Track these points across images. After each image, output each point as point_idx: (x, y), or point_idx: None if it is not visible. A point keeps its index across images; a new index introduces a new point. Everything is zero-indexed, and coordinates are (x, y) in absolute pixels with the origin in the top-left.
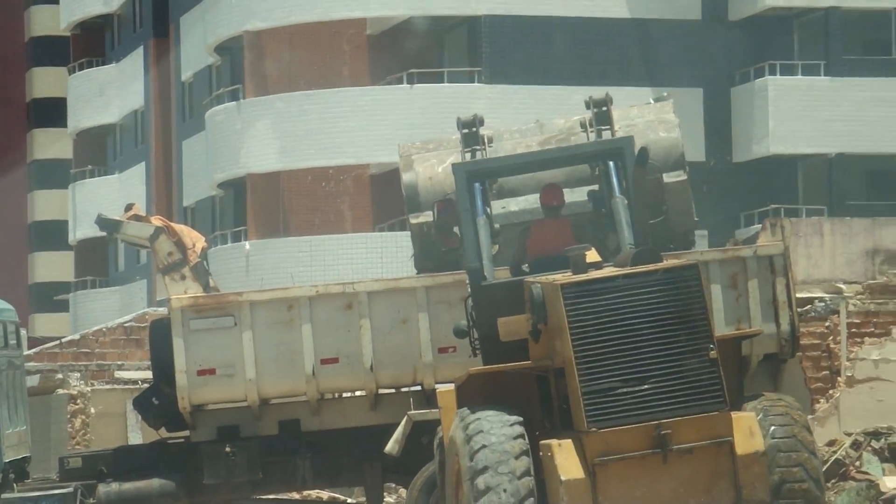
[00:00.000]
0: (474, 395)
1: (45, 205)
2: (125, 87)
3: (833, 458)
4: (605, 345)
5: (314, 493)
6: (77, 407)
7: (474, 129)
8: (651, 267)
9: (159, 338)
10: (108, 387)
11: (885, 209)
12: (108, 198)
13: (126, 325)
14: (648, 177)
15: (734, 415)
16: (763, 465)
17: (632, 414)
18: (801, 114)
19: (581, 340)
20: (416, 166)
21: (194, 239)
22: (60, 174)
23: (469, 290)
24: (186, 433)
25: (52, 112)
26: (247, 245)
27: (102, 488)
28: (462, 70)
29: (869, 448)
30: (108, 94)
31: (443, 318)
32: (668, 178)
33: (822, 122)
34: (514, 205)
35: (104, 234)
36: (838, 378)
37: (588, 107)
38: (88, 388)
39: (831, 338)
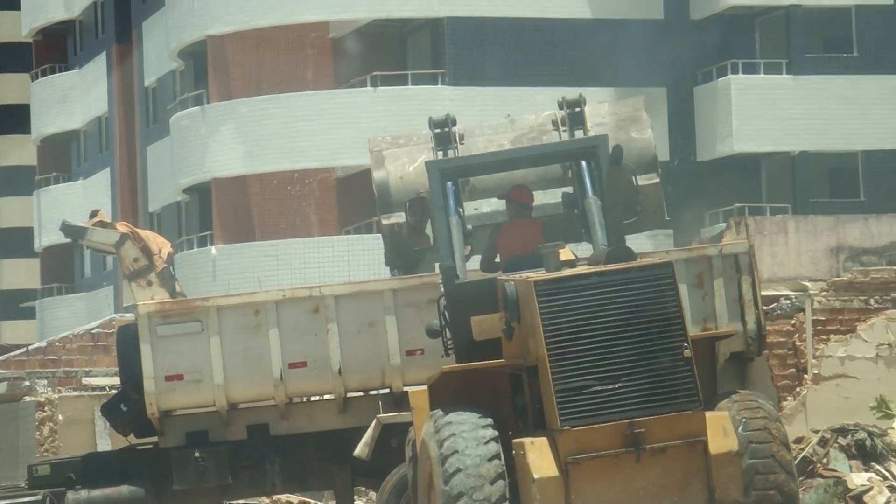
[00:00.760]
0: (447, 394)
1: (9, 212)
2: (88, 93)
3: (801, 456)
4: (579, 343)
5: (284, 498)
6: (45, 414)
7: (447, 129)
8: (625, 265)
9: (126, 344)
10: (75, 393)
11: (848, 206)
12: (72, 204)
13: (93, 331)
14: (623, 177)
15: (708, 414)
16: (736, 466)
17: (605, 412)
18: (763, 112)
19: (554, 338)
20: (387, 164)
21: (160, 244)
22: (24, 181)
23: (442, 289)
24: (155, 439)
25: (15, 118)
26: (213, 250)
27: (71, 495)
28: (425, 72)
29: (836, 445)
30: (71, 100)
31: (410, 321)
32: (642, 180)
33: (785, 121)
34: (487, 206)
35: (69, 240)
36: (805, 376)
37: (561, 107)
38: (56, 395)
39: (797, 335)
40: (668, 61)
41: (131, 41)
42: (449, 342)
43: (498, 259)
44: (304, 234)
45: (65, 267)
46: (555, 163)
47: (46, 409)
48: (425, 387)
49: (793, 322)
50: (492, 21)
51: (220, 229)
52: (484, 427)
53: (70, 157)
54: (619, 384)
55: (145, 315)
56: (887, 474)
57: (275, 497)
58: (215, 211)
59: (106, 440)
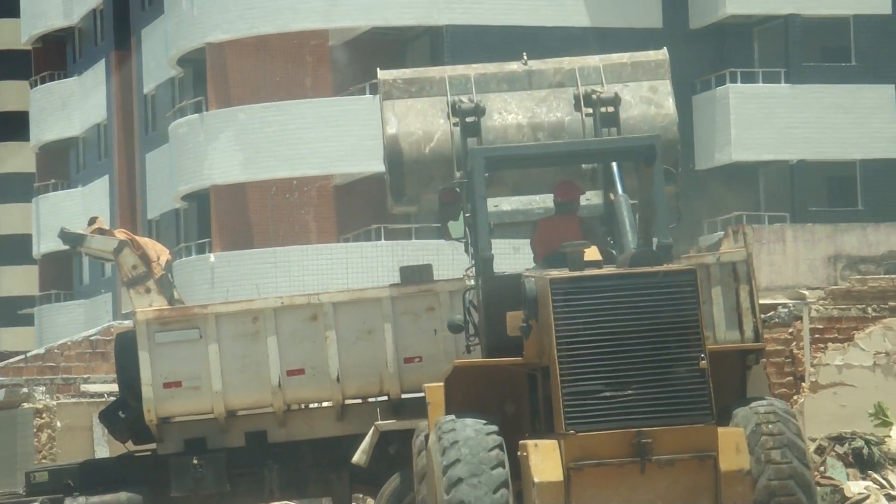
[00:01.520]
0: (463, 391)
1: (8, 219)
2: (87, 100)
3: None
4: (591, 345)
5: None
6: (43, 421)
7: (475, 120)
8: (646, 269)
9: (125, 351)
10: (73, 400)
11: (845, 215)
12: (71, 211)
13: (91, 338)
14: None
15: (721, 429)
16: (747, 485)
17: (612, 419)
18: (762, 121)
19: (566, 339)
20: (399, 127)
21: (158, 252)
22: (23, 188)
23: (470, 282)
24: (153, 446)
25: (14, 126)
26: (211, 257)
27: (69, 502)
28: None
29: (833, 453)
30: (70, 107)
31: (408, 329)
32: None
33: (783, 130)
34: (507, 204)
35: (68, 247)
36: (802, 384)
37: (592, 104)
38: (54, 402)
39: (795, 344)
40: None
41: (130, 48)
42: (472, 338)
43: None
44: (302, 241)
45: (63, 274)
46: (606, 161)
47: (44, 415)
48: (441, 383)
49: (790, 330)
50: (491, 29)
51: (219, 236)
52: (488, 434)
53: (69, 165)
54: (630, 391)
55: (143, 322)
56: (884, 482)
57: None
58: (214, 218)
59: (104, 447)
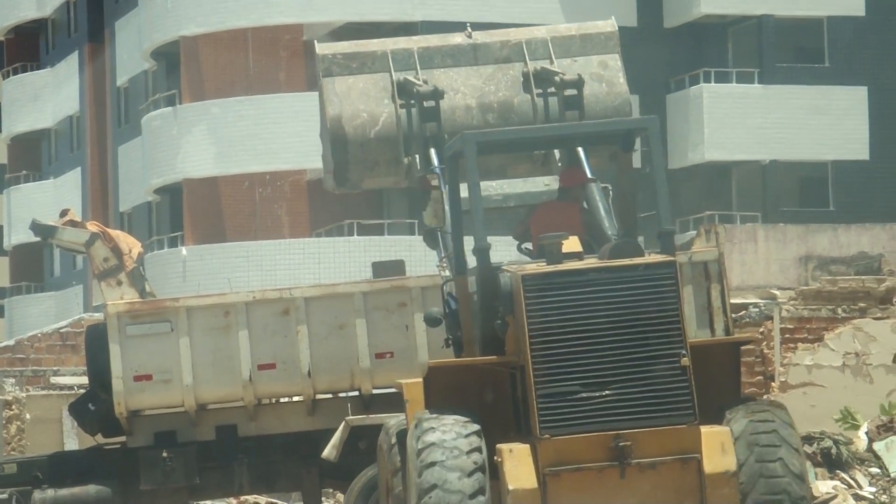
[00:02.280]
0: (442, 389)
1: None
2: (60, 92)
3: None
4: (566, 344)
5: (252, 499)
6: (12, 413)
7: (433, 104)
8: (622, 262)
9: (95, 343)
10: (43, 392)
11: (817, 216)
12: (43, 203)
13: (62, 330)
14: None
15: (704, 429)
16: (733, 487)
17: (589, 422)
18: (735, 121)
19: (539, 337)
20: (343, 107)
21: (130, 244)
22: None
23: (447, 274)
24: (123, 439)
25: None
26: (183, 250)
27: (38, 495)
28: None
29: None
30: (42, 98)
31: (380, 324)
32: None
33: (756, 130)
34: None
35: (39, 239)
36: (772, 383)
37: (558, 87)
38: (24, 394)
39: (765, 343)
40: (640, 69)
41: (104, 40)
42: (453, 330)
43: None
44: (274, 235)
45: (34, 265)
46: (598, 144)
47: (14, 407)
48: (420, 379)
49: (761, 330)
50: (462, 25)
51: (191, 230)
52: (468, 436)
53: (41, 156)
54: (608, 392)
55: (114, 315)
56: (852, 482)
57: (242, 498)
58: (186, 212)
59: (73, 439)
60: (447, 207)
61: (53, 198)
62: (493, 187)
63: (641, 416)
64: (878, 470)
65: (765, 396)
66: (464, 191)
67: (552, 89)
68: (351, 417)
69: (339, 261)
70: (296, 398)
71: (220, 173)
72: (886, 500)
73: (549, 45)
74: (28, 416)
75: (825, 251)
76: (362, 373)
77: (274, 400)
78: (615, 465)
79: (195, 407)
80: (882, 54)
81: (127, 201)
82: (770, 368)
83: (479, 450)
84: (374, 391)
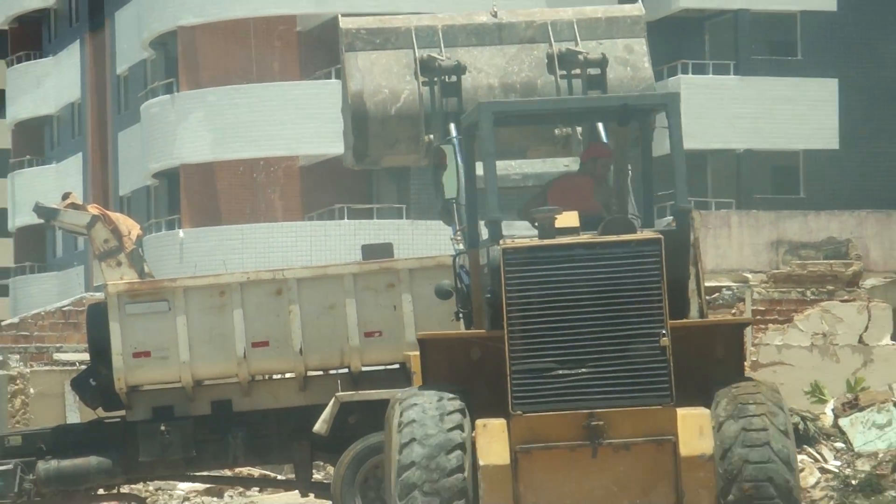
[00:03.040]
0: (440, 364)
1: None
2: (62, 80)
3: None
4: (544, 319)
5: (245, 471)
6: (17, 388)
7: (455, 79)
8: (605, 238)
9: (96, 322)
10: (46, 368)
11: (788, 203)
12: (45, 187)
13: (64, 309)
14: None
15: (681, 411)
16: (710, 471)
17: (563, 399)
18: (711, 111)
19: (516, 312)
20: (365, 82)
21: (130, 227)
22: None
23: (459, 247)
24: (123, 413)
25: None
26: (181, 233)
27: (42, 465)
28: None
29: None
30: (45, 86)
31: (369, 304)
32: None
33: (731, 120)
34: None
35: (42, 221)
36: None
37: (577, 65)
38: (28, 370)
39: None
40: None
41: (104, 30)
42: (460, 306)
43: None
44: (268, 219)
45: (37, 247)
46: (615, 119)
47: (18, 382)
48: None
49: (734, 311)
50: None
51: (188, 213)
52: (450, 413)
53: (43, 141)
54: (583, 370)
55: (115, 294)
56: (818, 456)
57: (237, 470)
58: (183, 195)
59: (75, 413)
60: (462, 180)
61: (55, 181)
62: (512, 167)
63: (616, 396)
64: (842, 445)
65: None
66: (480, 169)
67: (577, 71)
68: (341, 393)
69: (329, 243)
70: (288, 375)
71: (215, 159)
72: (850, 474)
73: (575, 26)
74: (32, 390)
75: (796, 236)
76: (352, 351)
77: (267, 376)
78: (587, 445)
79: (192, 383)
80: (852, 48)
81: (126, 185)
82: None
83: (460, 427)
84: (364, 368)
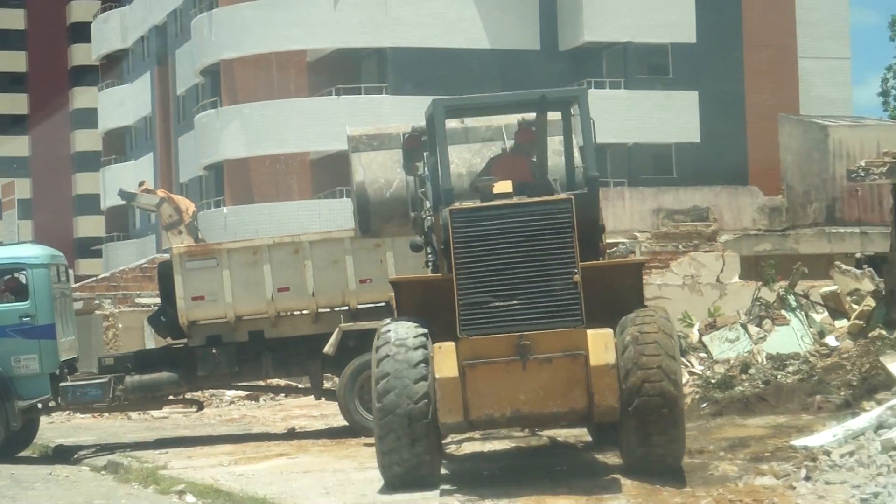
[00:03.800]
0: (410, 300)
1: (84, 183)
2: (138, 100)
3: None
4: (483, 264)
5: (274, 382)
6: (109, 323)
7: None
8: (528, 199)
9: (165, 275)
10: (130, 309)
11: (665, 181)
12: (126, 177)
13: (141, 266)
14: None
15: (591, 332)
16: (613, 377)
17: (499, 325)
18: (608, 116)
19: (462, 259)
20: (366, 174)
21: (187, 205)
22: (94, 162)
23: (429, 211)
24: (185, 340)
25: (88, 118)
26: (224, 210)
27: (128, 379)
28: (373, 86)
29: None
30: (125, 105)
31: (362, 259)
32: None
33: (623, 121)
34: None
35: (124, 202)
36: None
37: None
38: (116, 311)
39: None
40: (542, 80)
41: (167, 63)
42: (430, 256)
43: None
44: (288, 198)
45: (121, 221)
46: (542, 110)
47: (110, 319)
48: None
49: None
50: (420, 50)
51: (229, 195)
52: (416, 336)
53: (125, 145)
54: (514, 302)
55: (177, 255)
56: (687, 363)
57: (268, 381)
58: (226, 182)
59: (151, 342)
60: (428, 160)
61: (133, 174)
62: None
63: (540, 321)
64: (704, 355)
65: None
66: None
67: None
68: (343, 325)
69: (333, 216)
70: (304, 311)
71: (249, 155)
72: (710, 375)
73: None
74: (120, 325)
75: (670, 205)
76: (350, 293)
77: (289, 312)
78: (518, 360)
79: (234, 318)
80: (707, 69)
81: (185, 175)
82: None
83: (423, 347)
84: (360, 306)
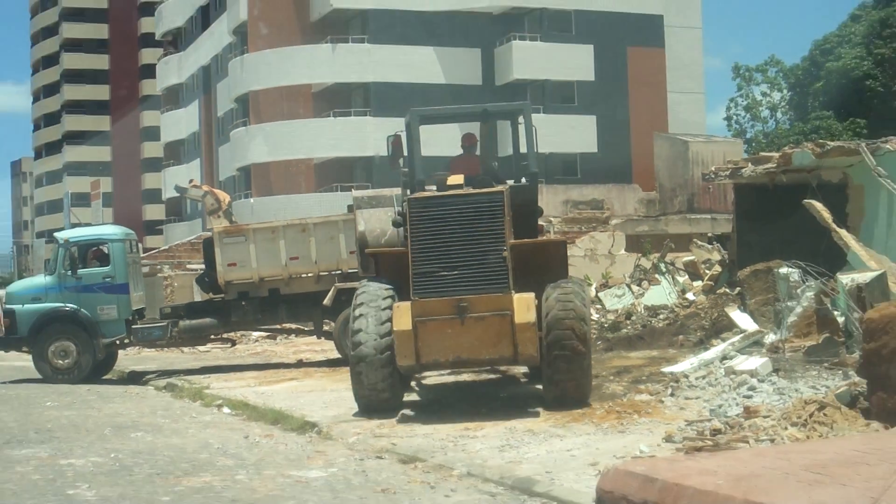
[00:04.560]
0: (385, 266)
1: (150, 181)
2: (189, 120)
3: None
4: (432, 241)
5: (287, 326)
6: (168, 283)
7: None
8: (469, 191)
9: (208, 248)
10: (182, 273)
11: (572, 180)
12: (180, 176)
13: (192, 241)
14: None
15: (517, 296)
16: (533, 332)
17: (443, 290)
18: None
19: (416, 237)
20: (367, 225)
21: (224, 197)
22: (157, 165)
23: (408, 194)
24: (222, 296)
25: (154, 133)
26: (252, 200)
27: (182, 323)
28: (360, 110)
29: None
30: (180, 124)
31: (351, 236)
32: None
33: (542, 138)
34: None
35: (179, 195)
36: None
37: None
38: (173, 273)
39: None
40: None
41: (211, 93)
42: (406, 231)
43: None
44: (298, 192)
45: (177, 208)
46: (495, 119)
47: (168, 280)
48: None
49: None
50: (394, 84)
51: (255, 190)
52: (385, 297)
53: (180, 153)
54: (455, 272)
55: (217, 233)
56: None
57: (283, 325)
58: (253, 180)
59: (199, 296)
60: (407, 155)
61: (186, 174)
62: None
63: (475, 287)
64: (600, 306)
65: None
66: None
67: None
68: (338, 284)
69: (330, 205)
70: (309, 274)
71: (270, 160)
72: (604, 321)
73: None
74: (175, 284)
75: (576, 198)
76: (342, 261)
77: (298, 275)
78: (458, 318)
79: (258, 279)
80: (602, 100)
81: (223, 174)
82: None
83: (389, 307)
84: (349, 270)
